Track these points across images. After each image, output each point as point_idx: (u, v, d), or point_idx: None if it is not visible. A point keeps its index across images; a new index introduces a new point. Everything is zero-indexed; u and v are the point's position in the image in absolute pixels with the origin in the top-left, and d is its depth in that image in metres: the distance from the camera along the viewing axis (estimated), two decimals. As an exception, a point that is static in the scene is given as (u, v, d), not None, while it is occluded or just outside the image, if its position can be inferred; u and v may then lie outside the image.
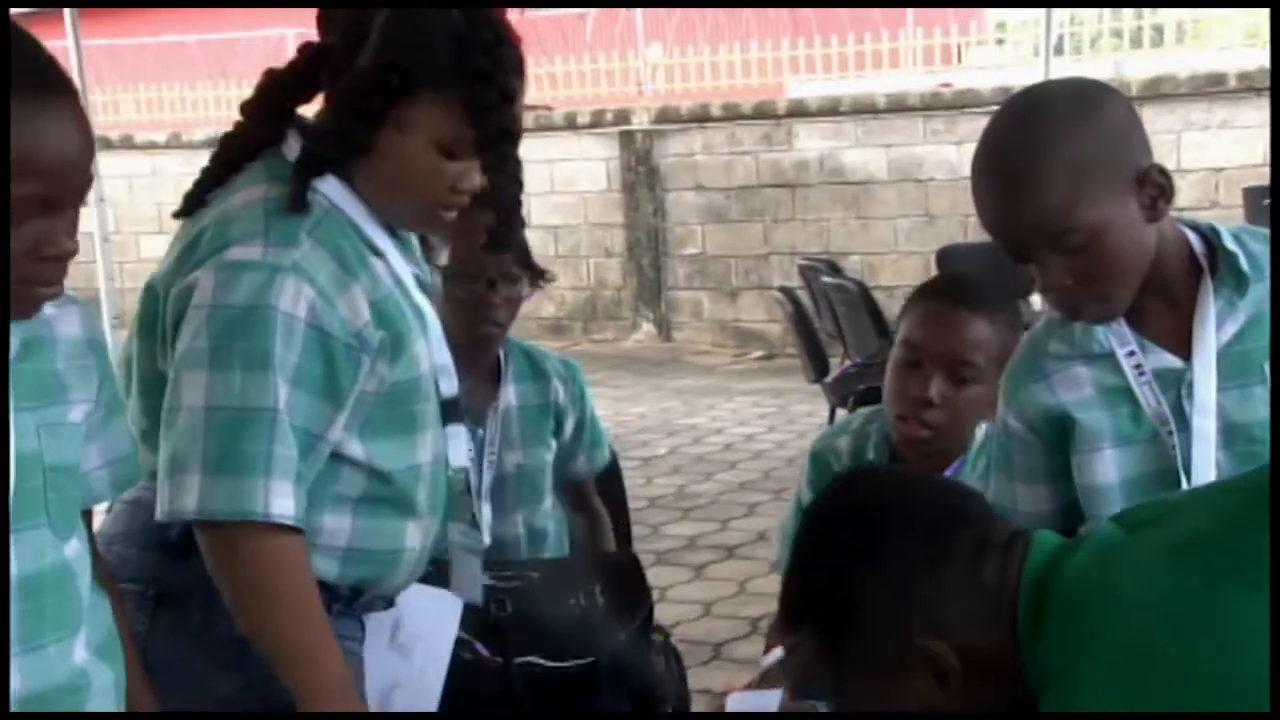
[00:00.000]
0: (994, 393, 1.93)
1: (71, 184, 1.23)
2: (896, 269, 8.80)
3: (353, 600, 1.68)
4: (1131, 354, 1.60)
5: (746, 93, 10.66)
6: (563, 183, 9.72)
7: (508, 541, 2.32)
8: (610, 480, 2.57)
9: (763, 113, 9.30)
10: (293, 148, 1.62)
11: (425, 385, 1.67)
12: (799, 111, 9.20)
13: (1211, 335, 1.58)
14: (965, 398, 1.95)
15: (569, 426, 2.41)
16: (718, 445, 6.73)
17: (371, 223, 1.62)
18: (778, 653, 2.01)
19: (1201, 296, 1.58)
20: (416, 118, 1.57)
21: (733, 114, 9.42)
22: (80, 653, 1.35)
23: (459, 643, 2.06)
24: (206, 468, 1.49)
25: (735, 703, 1.97)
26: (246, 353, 1.49)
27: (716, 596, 4.36)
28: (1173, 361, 1.59)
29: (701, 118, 9.53)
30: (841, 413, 6.02)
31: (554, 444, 2.40)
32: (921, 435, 1.97)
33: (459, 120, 1.57)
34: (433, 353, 1.69)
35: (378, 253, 1.62)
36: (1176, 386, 1.59)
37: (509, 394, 2.34)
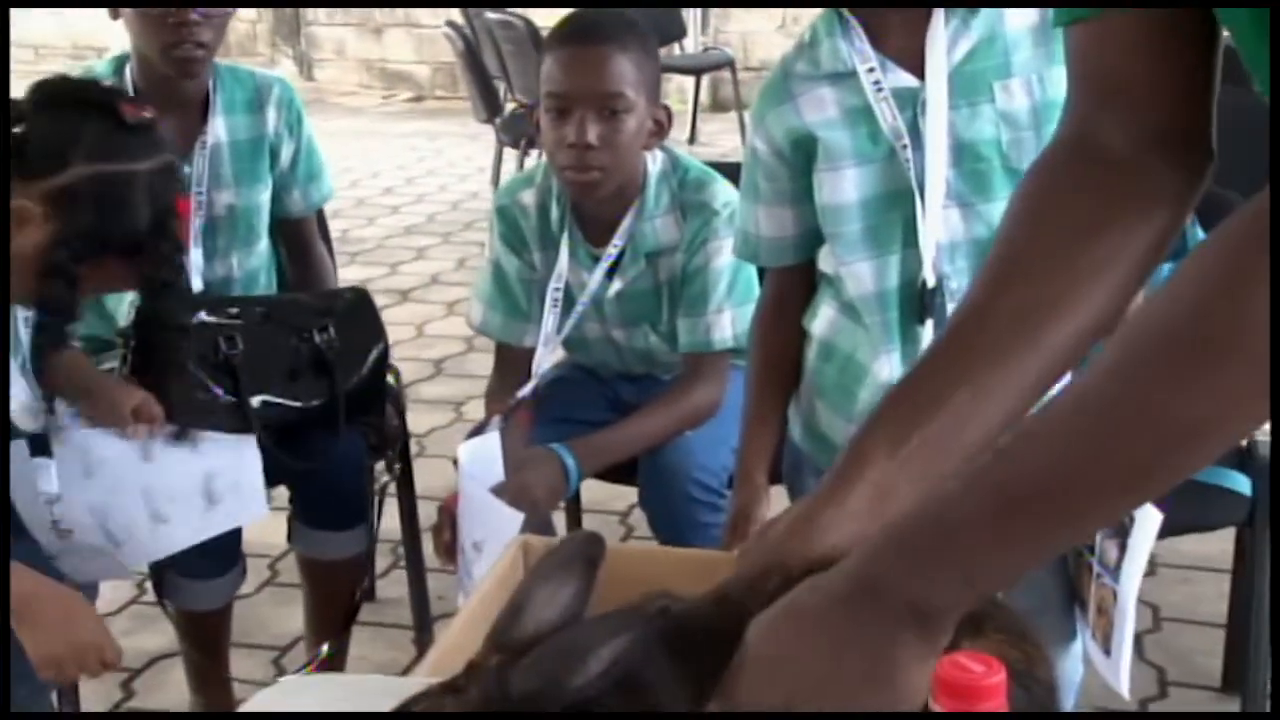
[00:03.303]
0: (648, 121, 1.98)
1: None
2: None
3: None
4: (871, 70, 1.65)
5: None
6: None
7: (218, 286, 2.18)
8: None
9: None
10: None
11: None
12: None
13: (943, 54, 1.63)
14: (622, 132, 1.95)
15: (285, 156, 2.24)
16: (377, 189, 6.55)
17: None
18: (497, 420, 2.06)
19: (934, 17, 1.63)
20: None
21: None
22: None
23: (194, 384, 1.95)
24: None
25: (465, 451, 1.96)
26: None
27: (396, 339, 4.26)
28: (909, 80, 1.65)
29: None
30: (510, 153, 5.96)
31: (270, 180, 2.23)
32: (589, 179, 1.97)
33: None
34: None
35: None
36: (913, 105, 1.64)
37: (218, 127, 2.15)
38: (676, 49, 7.65)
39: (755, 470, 1.75)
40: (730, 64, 7.46)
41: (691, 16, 7.87)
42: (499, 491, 1.90)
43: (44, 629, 1.57)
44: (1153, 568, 2.78)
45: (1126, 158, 0.91)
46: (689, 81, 7.54)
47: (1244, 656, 2.14)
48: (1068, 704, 1.82)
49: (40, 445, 1.83)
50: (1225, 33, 0.84)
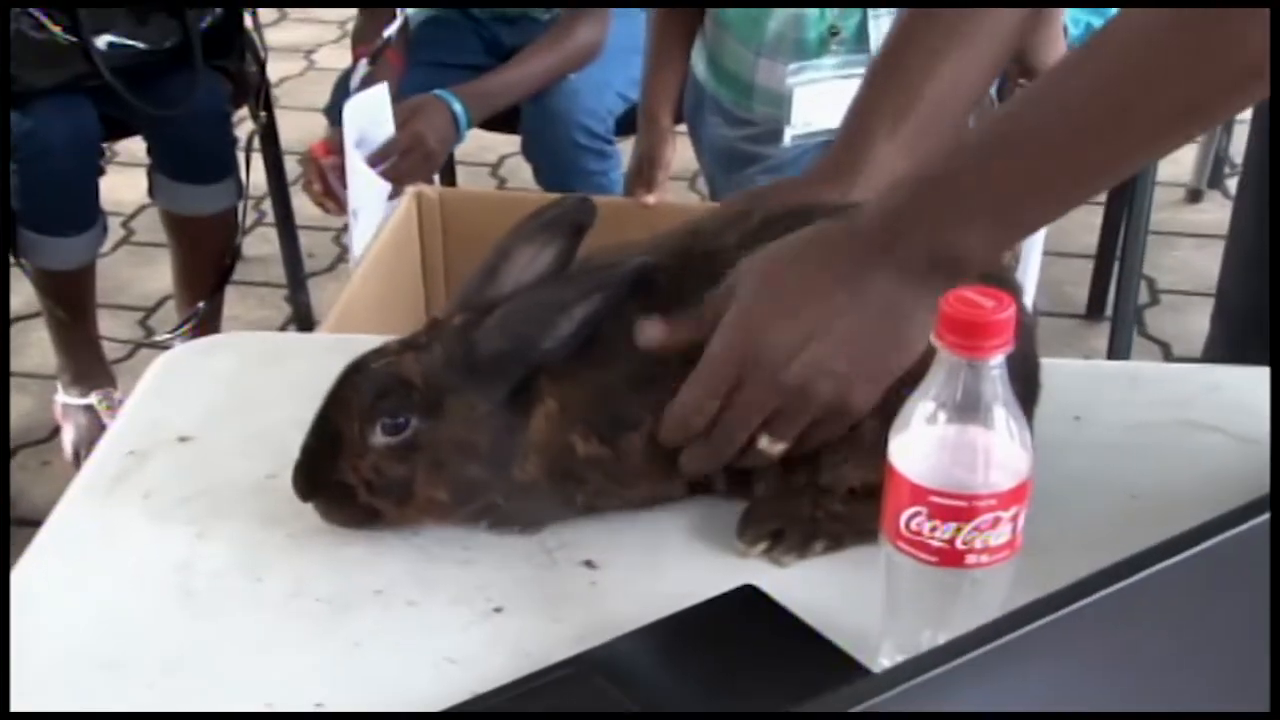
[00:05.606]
0: None
1: None
2: None
3: None
4: None
5: None
6: None
7: None
8: None
9: None
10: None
11: None
12: None
13: None
14: None
15: None
16: None
17: None
18: (364, 64, 1.93)
19: None
20: None
21: None
22: None
23: (25, 19, 1.76)
24: None
25: (351, 108, 1.83)
26: None
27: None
28: None
29: None
30: None
31: None
32: None
33: None
34: None
35: None
36: None
37: None
38: None
39: (660, 112, 1.70)
40: None
41: None
42: (391, 147, 1.81)
43: None
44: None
45: None
46: None
47: (1112, 283, 2.22)
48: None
49: None
50: None
